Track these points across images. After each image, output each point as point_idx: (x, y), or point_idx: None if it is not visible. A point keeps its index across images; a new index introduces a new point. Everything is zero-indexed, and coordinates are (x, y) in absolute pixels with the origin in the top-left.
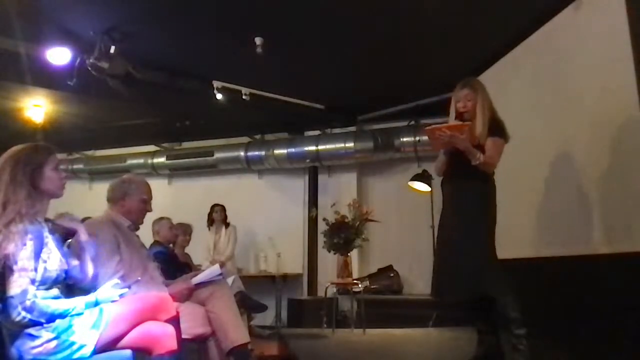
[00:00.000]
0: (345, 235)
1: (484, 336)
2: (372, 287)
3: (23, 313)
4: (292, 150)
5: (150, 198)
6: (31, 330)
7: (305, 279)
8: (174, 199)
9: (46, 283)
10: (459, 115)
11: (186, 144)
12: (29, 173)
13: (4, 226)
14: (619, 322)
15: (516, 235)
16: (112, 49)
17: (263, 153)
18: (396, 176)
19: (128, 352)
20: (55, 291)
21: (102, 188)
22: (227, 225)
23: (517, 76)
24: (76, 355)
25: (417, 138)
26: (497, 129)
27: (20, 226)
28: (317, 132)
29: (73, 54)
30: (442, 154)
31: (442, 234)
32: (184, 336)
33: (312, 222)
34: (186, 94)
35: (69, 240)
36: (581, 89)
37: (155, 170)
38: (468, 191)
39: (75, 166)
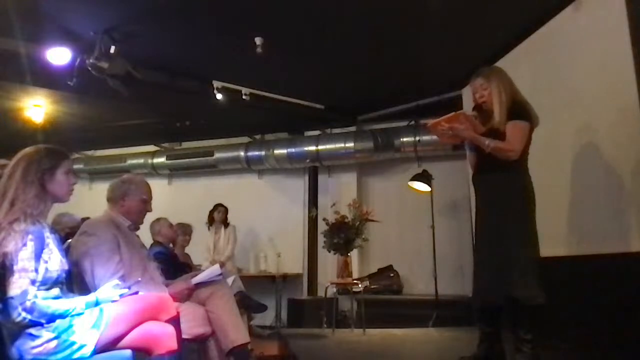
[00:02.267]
0: (345, 235)
1: (487, 336)
2: (372, 287)
3: (23, 314)
4: (292, 150)
5: (150, 198)
6: (31, 330)
7: (305, 279)
8: (174, 199)
9: (47, 283)
10: (478, 106)
11: (186, 144)
12: (40, 174)
13: (8, 223)
14: None
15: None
16: (112, 49)
17: (263, 153)
18: (396, 176)
19: (128, 352)
20: (55, 291)
21: (102, 188)
22: (226, 225)
23: (517, 76)
24: (76, 355)
25: (417, 138)
26: (517, 112)
27: (23, 226)
28: (317, 132)
29: (73, 54)
30: (468, 150)
31: (480, 234)
32: (184, 336)
33: (312, 222)
34: (186, 94)
35: (69, 240)
36: (581, 89)
37: (155, 170)
38: (499, 186)
39: (75, 166)
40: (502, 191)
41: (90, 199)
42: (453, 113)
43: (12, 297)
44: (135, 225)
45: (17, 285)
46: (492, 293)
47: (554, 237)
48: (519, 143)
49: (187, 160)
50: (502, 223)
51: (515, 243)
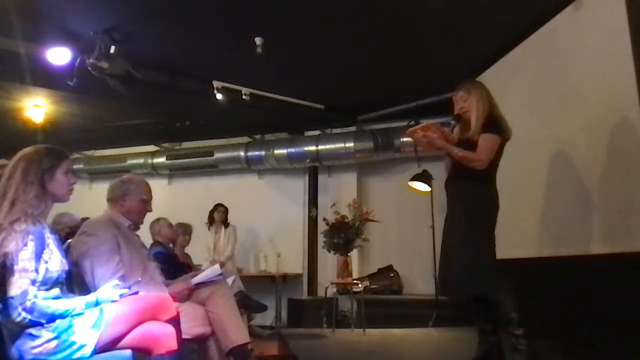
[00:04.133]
0: (345, 235)
1: (485, 336)
2: (372, 287)
3: (23, 314)
4: (292, 150)
5: (150, 198)
6: (31, 330)
7: (305, 279)
8: (174, 199)
9: (47, 283)
10: (459, 116)
11: (186, 144)
12: (40, 174)
13: (9, 224)
14: (617, 322)
15: (516, 235)
16: (112, 49)
17: (263, 153)
18: (396, 176)
19: (128, 352)
20: (55, 291)
21: (102, 188)
22: (226, 225)
23: (517, 76)
24: (76, 355)
25: None
26: (490, 125)
27: (23, 226)
28: (317, 132)
29: (73, 54)
30: (445, 155)
31: (444, 235)
32: (184, 336)
33: (312, 222)
34: (186, 94)
35: (69, 240)
36: (581, 89)
37: (155, 170)
38: (465, 192)
39: (75, 166)
40: (467, 198)
41: (90, 199)
42: (425, 124)
43: (12, 297)
44: (135, 225)
45: (18, 285)
46: (451, 292)
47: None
48: (487, 155)
49: (187, 160)
50: (461, 227)
51: (469, 246)
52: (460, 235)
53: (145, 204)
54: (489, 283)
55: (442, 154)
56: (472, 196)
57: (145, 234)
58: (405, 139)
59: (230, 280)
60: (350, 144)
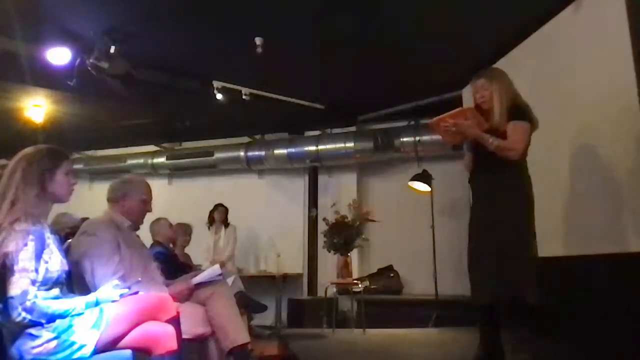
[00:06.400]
0: (345, 235)
1: (486, 336)
2: (372, 287)
3: (23, 314)
4: (292, 150)
5: (150, 198)
6: (31, 330)
7: (305, 279)
8: (174, 199)
9: (47, 284)
10: (478, 107)
11: (186, 144)
12: (41, 174)
13: (9, 224)
14: None
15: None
16: (112, 49)
17: (263, 153)
18: (396, 176)
19: (128, 352)
20: (55, 291)
21: (102, 188)
22: (227, 225)
23: (517, 76)
24: (76, 355)
25: (417, 138)
26: (518, 113)
27: (24, 226)
28: (317, 132)
29: (73, 54)
30: (466, 150)
31: (476, 233)
32: (184, 336)
33: (312, 222)
34: (186, 94)
35: (69, 240)
36: (581, 89)
37: (155, 170)
38: (500, 186)
39: (75, 166)
40: (502, 192)
41: (90, 199)
42: (459, 109)
43: (12, 297)
44: (135, 225)
45: (18, 286)
46: (487, 293)
47: (554, 238)
48: (521, 143)
49: (187, 160)
50: (501, 223)
51: (514, 243)
52: (502, 233)
53: (145, 204)
54: (533, 286)
55: (444, 154)
56: (507, 190)
57: (145, 234)
58: (405, 139)
59: (230, 280)
60: (350, 144)
